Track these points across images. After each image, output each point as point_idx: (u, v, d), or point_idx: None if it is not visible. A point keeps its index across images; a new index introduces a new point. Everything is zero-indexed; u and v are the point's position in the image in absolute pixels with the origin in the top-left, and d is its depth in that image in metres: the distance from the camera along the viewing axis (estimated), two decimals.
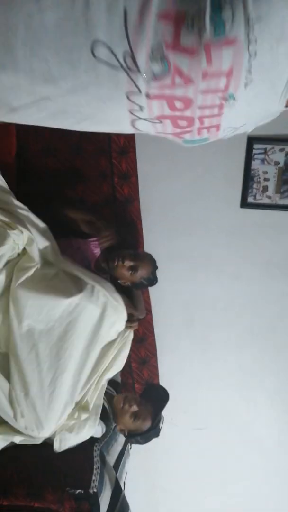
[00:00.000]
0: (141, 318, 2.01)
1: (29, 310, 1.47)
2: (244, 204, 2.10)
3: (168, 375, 2.06)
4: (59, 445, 1.52)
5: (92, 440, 1.58)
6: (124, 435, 1.73)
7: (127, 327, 1.76)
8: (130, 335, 1.81)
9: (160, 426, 1.76)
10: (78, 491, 1.37)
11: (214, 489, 2.27)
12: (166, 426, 2.16)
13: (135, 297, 1.95)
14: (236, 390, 2.20)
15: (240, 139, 2.06)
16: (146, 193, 2.05)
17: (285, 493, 2.29)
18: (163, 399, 1.81)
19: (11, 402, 1.47)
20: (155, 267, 1.88)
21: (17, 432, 1.50)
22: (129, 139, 1.95)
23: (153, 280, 1.88)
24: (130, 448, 1.85)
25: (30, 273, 1.51)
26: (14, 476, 1.39)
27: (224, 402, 2.21)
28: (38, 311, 1.49)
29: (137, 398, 1.75)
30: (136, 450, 1.91)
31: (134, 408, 1.69)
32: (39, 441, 1.52)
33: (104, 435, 1.65)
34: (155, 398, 1.80)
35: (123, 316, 1.72)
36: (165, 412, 2.11)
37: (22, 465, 1.44)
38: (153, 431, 1.73)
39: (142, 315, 2.00)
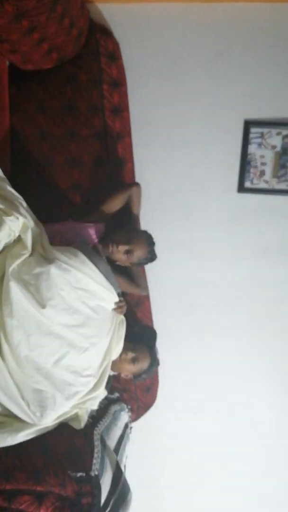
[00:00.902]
0: (144, 294, 2.03)
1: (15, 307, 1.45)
2: (242, 189, 2.10)
3: (166, 360, 2.07)
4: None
5: (92, 425, 1.60)
6: (131, 380, 1.86)
7: (116, 310, 1.74)
8: (121, 319, 1.80)
9: (158, 361, 1.91)
10: (79, 474, 1.39)
11: (214, 471, 2.30)
12: (165, 411, 2.21)
13: (135, 275, 1.95)
14: (234, 374, 2.22)
15: (237, 123, 2.05)
16: (143, 180, 2.04)
17: (285, 476, 2.33)
18: (153, 335, 1.95)
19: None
20: (152, 244, 1.87)
21: (19, 429, 1.50)
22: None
23: (152, 258, 1.88)
24: (130, 432, 1.88)
25: (20, 260, 1.49)
26: (16, 461, 1.41)
27: (222, 387, 2.23)
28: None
29: (129, 345, 1.79)
30: (136, 434, 1.94)
31: (131, 354, 1.78)
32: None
33: (104, 420, 1.67)
34: (145, 338, 1.90)
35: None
36: (164, 396, 2.16)
37: (23, 451, 1.45)
38: (154, 365, 1.86)
39: (145, 292, 2.02)
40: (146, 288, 2.03)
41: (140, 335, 1.91)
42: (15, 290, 1.43)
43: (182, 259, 2.19)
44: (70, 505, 1.39)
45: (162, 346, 2.05)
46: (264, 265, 2.14)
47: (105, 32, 1.92)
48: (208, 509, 2.36)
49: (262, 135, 2.03)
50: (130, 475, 1.69)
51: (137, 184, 1.96)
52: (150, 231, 1.96)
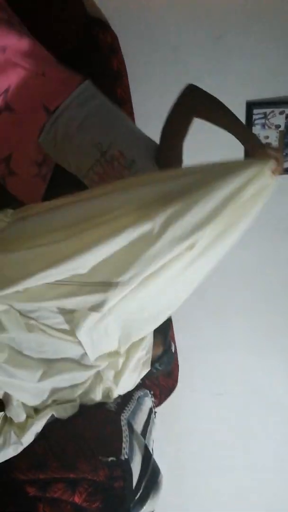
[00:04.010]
0: None
1: None
2: None
3: (184, 344, 2.11)
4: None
5: (118, 411, 1.63)
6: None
7: None
8: None
9: (172, 350, 1.87)
10: (110, 459, 1.43)
11: (238, 450, 2.34)
12: (187, 394, 2.25)
13: None
14: (252, 354, 2.25)
15: (239, 105, 2.05)
16: None
17: None
18: (166, 322, 1.86)
19: None
20: None
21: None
22: None
23: None
24: (155, 417, 1.91)
25: None
26: (48, 451, 1.45)
27: (242, 367, 2.26)
28: None
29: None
30: (160, 418, 1.97)
31: None
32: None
33: (129, 406, 1.71)
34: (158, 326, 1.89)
35: None
36: (185, 381, 2.19)
37: (53, 440, 1.49)
38: (168, 355, 1.83)
39: None
40: None
41: None
42: None
43: None
44: (103, 490, 1.43)
45: (179, 331, 2.08)
46: (275, 244, 2.16)
47: (103, 25, 1.92)
48: (232, 491, 2.40)
49: (265, 116, 2.04)
50: (156, 458, 1.73)
51: None
52: None
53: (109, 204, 1.26)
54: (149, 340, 1.73)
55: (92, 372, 1.58)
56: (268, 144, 2.06)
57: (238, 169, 1.22)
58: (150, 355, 1.72)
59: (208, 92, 1.91)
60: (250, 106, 2.04)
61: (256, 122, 2.04)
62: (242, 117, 2.06)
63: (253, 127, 2.05)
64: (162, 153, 1.52)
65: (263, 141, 2.07)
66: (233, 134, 1.37)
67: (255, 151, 1.29)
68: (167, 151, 1.50)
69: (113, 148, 1.53)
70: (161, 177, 1.34)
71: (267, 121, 2.04)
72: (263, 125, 2.05)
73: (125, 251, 1.20)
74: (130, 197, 1.25)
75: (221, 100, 2.07)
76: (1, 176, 1.64)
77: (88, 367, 1.53)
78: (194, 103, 1.44)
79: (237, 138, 1.36)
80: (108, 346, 1.53)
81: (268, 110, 2.03)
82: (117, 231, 1.18)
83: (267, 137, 2.06)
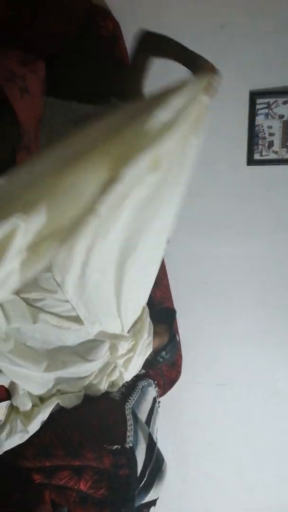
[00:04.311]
0: None
1: None
2: (251, 161, 2.10)
3: (188, 335, 2.12)
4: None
5: (122, 400, 1.65)
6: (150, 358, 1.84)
7: None
8: None
9: (177, 339, 1.93)
10: (115, 447, 1.45)
11: (240, 440, 2.36)
12: (190, 384, 2.26)
13: None
14: (255, 345, 2.26)
15: (242, 95, 2.04)
16: None
17: None
18: (171, 313, 1.98)
19: None
20: None
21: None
22: None
23: None
24: (158, 406, 1.93)
25: None
26: (54, 439, 1.47)
27: (245, 358, 2.27)
28: None
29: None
30: (164, 408, 1.99)
31: None
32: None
33: (133, 395, 1.72)
34: (164, 316, 1.93)
35: None
36: (188, 371, 2.20)
37: (59, 428, 1.51)
38: (172, 343, 1.88)
39: None
40: None
41: (158, 313, 1.95)
42: None
43: (196, 236, 2.21)
44: (108, 478, 1.45)
45: (183, 322, 2.09)
46: (279, 235, 2.16)
47: (104, 13, 1.91)
48: (235, 481, 2.42)
49: (268, 105, 2.02)
50: (160, 448, 1.75)
51: None
52: None
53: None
54: (150, 323, 1.77)
55: (96, 365, 1.60)
56: (272, 134, 2.06)
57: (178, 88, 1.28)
58: (151, 337, 1.76)
59: None
60: (253, 95, 2.02)
61: (259, 112, 2.03)
62: (245, 107, 2.05)
63: (256, 117, 2.04)
64: (125, 86, 1.67)
65: (267, 131, 2.06)
66: (182, 63, 1.47)
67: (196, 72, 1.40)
68: (131, 83, 1.65)
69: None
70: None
71: (270, 111, 2.03)
72: (267, 115, 2.04)
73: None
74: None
75: (224, 90, 2.06)
76: None
77: (92, 361, 1.55)
78: (146, 42, 1.59)
79: (186, 66, 1.46)
80: (104, 311, 1.52)
81: (271, 100, 2.02)
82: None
83: (270, 127, 2.04)
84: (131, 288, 1.49)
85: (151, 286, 1.68)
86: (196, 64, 1.43)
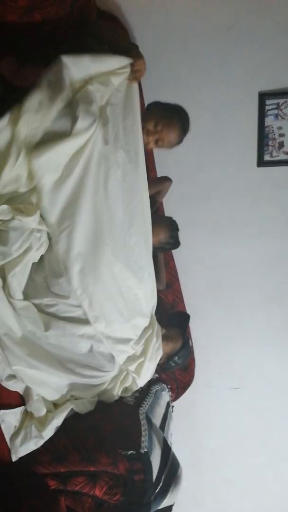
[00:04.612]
0: (160, 289, 2.04)
1: None
2: (261, 162, 2.09)
3: (200, 339, 2.11)
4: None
5: (136, 405, 1.64)
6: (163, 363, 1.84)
7: None
8: None
9: (190, 344, 1.94)
10: (130, 452, 1.44)
11: (256, 443, 2.33)
12: (204, 388, 2.24)
13: (158, 266, 1.96)
14: (268, 347, 2.24)
15: (252, 96, 2.04)
16: (161, 163, 2.05)
17: None
18: (184, 317, 1.98)
19: None
20: (176, 230, 1.89)
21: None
22: None
23: (175, 244, 1.90)
24: (172, 411, 1.92)
25: None
26: (68, 445, 1.46)
27: (258, 360, 2.25)
28: None
29: (161, 328, 1.81)
30: (178, 412, 1.98)
31: (162, 331, 1.79)
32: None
33: (147, 400, 1.71)
34: (177, 321, 1.94)
35: None
36: (201, 375, 2.19)
37: (74, 434, 1.50)
38: (185, 348, 1.87)
39: (161, 287, 2.03)
40: (163, 282, 2.04)
41: (172, 317, 1.94)
42: None
43: (207, 238, 2.21)
44: (124, 483, 1.43)
45: (195, 325, 2.08)
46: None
47: (112, 19, 1.91)
48: (249, 484, 2.39)
49: (278, 106, 2.02)
50: (175, 452, 1.73)
51: (170, 180, 1.99)
52: (172, 214, 1.97)
53: None
54: (158, 325, 1.78)
55: (109, 376, 1.60)
56: (282, 135, 2.04)
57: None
58: (160, 340, 1.76)
59: (221, 84, 1.95)
60: (263, 96, 2.02)
61: (268, 112, 2.02)
62: (254, 108, 2.05)
63: (266, 118, 2.03)
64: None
65: (276, 132, 2.05)
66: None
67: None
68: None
69: None
70: None
71: (280, 112, 2.02)
72: (276, 116, 2.03)
73: None
74: None
75: (233, 92, 2.07)
76: None
77: (104, 371, 1.55)
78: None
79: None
80: (110, 304, 1.54)
81: (281, 101, 2.01)
82: None
83: (280, 128, 2.03)
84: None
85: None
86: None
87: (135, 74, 1.57)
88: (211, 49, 2.05)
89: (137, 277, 1.62)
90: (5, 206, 1.35)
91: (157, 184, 1.96)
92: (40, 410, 1.47)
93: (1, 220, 1.35)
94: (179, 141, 1.75)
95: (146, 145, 1.68)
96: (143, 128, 1.64)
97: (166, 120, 1.67)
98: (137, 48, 1.63)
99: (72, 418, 1.54)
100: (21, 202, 1.40)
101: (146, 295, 1.70)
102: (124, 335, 1.60)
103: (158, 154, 2.06)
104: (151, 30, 2.00)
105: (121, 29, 1.92)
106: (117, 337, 1.57)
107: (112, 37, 1.64)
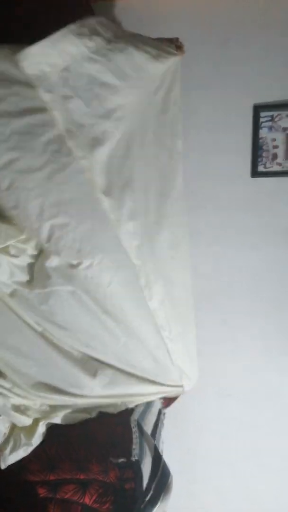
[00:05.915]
0: None
1: None
2: (255, 173, 2.11)
3: None
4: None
5: (127, 412, 1.64)
6: None
7: None
8: None
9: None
10: (120, 460, 1.44)
11: (247, 451, 2.33)
12: (196, 396, 2.24)
13: None
14: (260, 355, 2.25)
15: (246, 109, 2.07)
16: None
17: None
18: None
19: None
20: None
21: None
22: None
23: None
24: (164, 418, 1.92)
25: None
26: (59, 452, 1.47)
27: (250, 368, 2.26)
28: None
29: None
30: (169, 420, 1.98)
31: None
32: None
33: (138, 407, 1.71)
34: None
35: None
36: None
37: (65, 442, 1.51)
38: None
39: None
40: None
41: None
42: None
43: (202, 249, 2.21)
44: (114, 491, 1.43)
45: None
46: (285, 246, 2.16)
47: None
48: (240, 493, 2.39)
49: (272, 118, 2.05)
50: (166, 460, 1.73)
51: None
52: None
53: None
54: None
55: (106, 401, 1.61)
56: (276, 147, 2.07)
57: None
58: None
59: (216, 96, 2.00)
60: (257, 109, 2.05)
61: (263, 125, 2.05)
62: (249, 120, 2.08)
63: (260, 130, 2.06)
64: None
65: (270, 143, 2.08)
66: None
67: None
68: None
69: None
70: None
71: (274, 124, 2.05)
72: (270, 128, 2.06)
73: None
74: None
75: (228, 103, 2.10)
76: None
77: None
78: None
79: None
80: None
81: (275, 113, 2.04)
82: None
83: (274, 140, 2.06)
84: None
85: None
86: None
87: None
88: (208, 61, 2.08)
89: None
90: None
91: None
92: (23, 422, 1.47)
93: None
94: None
95: None
96: None
97: None
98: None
99: (64, 426, 1.54)
100: None
101: None
102: None
103: None
104: None
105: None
106: None
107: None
